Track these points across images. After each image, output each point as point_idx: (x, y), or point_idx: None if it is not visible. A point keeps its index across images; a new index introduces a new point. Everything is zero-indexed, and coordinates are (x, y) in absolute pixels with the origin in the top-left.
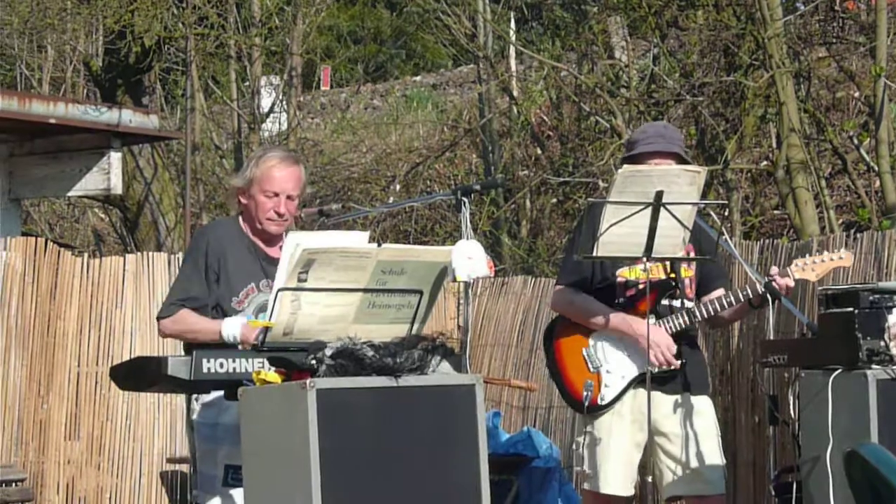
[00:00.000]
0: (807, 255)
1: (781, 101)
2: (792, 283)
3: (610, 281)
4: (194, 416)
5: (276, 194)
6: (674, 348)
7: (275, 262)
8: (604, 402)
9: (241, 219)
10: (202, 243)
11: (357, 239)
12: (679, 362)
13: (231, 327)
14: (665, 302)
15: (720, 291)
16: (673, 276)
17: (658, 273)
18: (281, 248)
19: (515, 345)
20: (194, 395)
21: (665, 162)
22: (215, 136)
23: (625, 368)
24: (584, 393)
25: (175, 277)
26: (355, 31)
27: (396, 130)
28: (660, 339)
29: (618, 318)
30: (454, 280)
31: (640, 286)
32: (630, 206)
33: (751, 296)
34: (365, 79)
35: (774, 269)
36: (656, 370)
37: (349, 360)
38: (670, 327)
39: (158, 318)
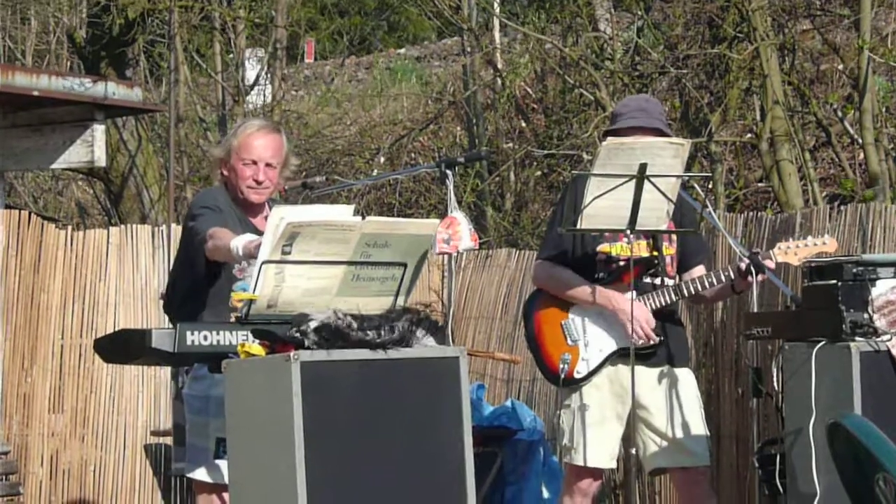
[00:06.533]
0: (790, 239)
1: (765, 74)
2: (773, 267)
3: (590, 256)
4: (184, 389)
5: (255, 162)
6: (653, 322)
7: (259, 233)
8: (580, 376)
9: (225, 188)
10: (210, 202)
11: (341, 212)
12: (658, 338)
13: (238, 240)
14: (647, 280)
15: (701, 268)
16: (655, 253)
17: (639, 250)
18: (265, 218)
19: (499, 317)
20: (184, 368)
21: (646, 137)
22: (199, 108)
23: (603, 342)
24: (560, 366)
25: (194, 227)
26: (339, 3)
27: (381, 103)
28: (639, 313)
29: (597, 293)
30: (439, 253)
31: (622, 262)
32: (614, 179)
33: (732, 277)
34: (349, 51)
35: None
36: (638, 343)
37: (333, 333)
38: (651, 304)
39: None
